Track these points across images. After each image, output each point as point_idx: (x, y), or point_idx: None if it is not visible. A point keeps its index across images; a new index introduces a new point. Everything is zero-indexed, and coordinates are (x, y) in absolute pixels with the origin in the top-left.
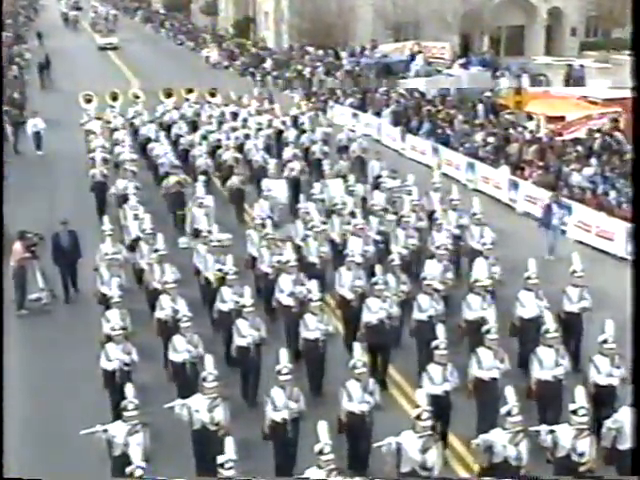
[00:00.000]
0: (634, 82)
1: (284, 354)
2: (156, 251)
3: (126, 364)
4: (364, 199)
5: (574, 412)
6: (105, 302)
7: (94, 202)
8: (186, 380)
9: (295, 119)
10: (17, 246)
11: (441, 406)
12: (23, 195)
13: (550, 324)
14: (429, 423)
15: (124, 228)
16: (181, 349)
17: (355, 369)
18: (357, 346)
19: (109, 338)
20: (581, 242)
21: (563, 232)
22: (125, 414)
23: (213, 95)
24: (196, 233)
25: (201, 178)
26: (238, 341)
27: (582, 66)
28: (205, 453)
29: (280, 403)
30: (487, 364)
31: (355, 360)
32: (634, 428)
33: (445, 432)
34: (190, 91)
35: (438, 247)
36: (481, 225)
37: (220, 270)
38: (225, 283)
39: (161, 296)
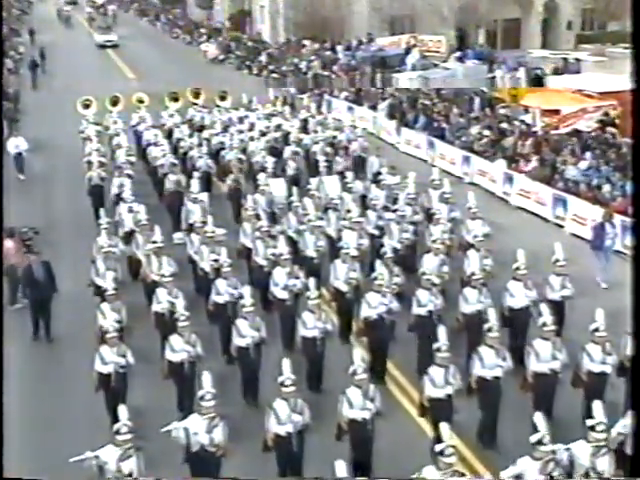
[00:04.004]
0: (634, 78)
1: (287, 364)
2: (154, 242)
3: (122, 367)
4: (363, 196)
5: (592, 428)
6: (100, 294)
7: (88, 207)
8: (184, 380)
9: (305, 123)
10: (8, 244)
11: (443, 410)
12: (16, 191)
13: (547, 317)
14: (453, 459)
15: (119, 222)
16: (179, 348)
17: (355, 375)
18: (357, 352)
19: (104, 340)
20: (576, 235)
21: (617, 252)
22: (117, 438)
23: (223, 99)
24: (190, 228)
25: (196, 175)
26: (237, 341)
27: (578, 59)
28: (203, 475)
29: (284, 416)
30: (489, 363)
31: (355, 366)
32: (634, 429)
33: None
34: (197, 94)
35: (434, 241)
36: (477, 219)
37: (216, 261)
38: (220, 275)
39: (157, 289)
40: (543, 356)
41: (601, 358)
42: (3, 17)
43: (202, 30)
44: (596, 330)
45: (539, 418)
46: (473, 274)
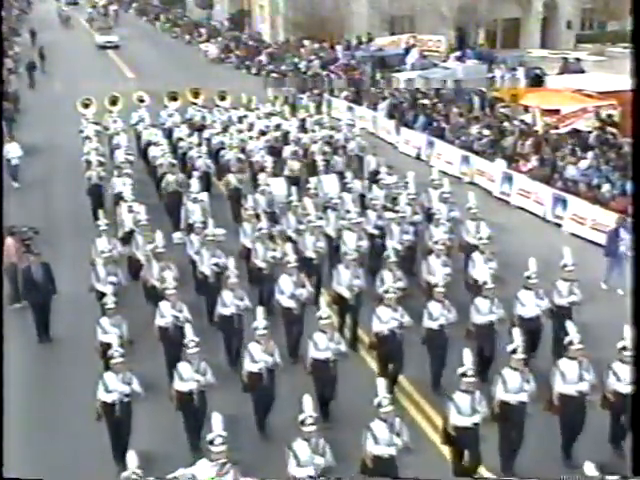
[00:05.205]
0: (634, 78)
1: (308, 401)
2: (155, 247)
3: (126, 395)
4: (362, 195)
5: None
6: (101, 300)
7: (87, 207)
8: (193, 411)
9: (303, 122)
10: (9, 242)
11: (469, 439)
12: (16, 192)
13: (573, 335)
14: None
15: (119, 222)
16: (187, 377)
17: (380, 408)
18: (381, 382)
19: (107, 366)
20: (575, 235)
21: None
22: None
23: (223, 98)
24: (190, 228)
25: (195, 174)
26: (249, 366)
27: (578, 59)
28: None
29: (305, 458)
30: (514, 386)
31: (380, 398)
32: (633, 429)
33: (477, 465)
34: (197, 94)
35: (436, 242)
36: (477, 220)
37: (217, 265)
38: (221, 280)
39: (161, 303)
40: (570, 377)
41: (629, 378)
42: (3, 17)
43: (202, 30)
44: (624, 348)
45: (590, 468)
46: (485, 283)
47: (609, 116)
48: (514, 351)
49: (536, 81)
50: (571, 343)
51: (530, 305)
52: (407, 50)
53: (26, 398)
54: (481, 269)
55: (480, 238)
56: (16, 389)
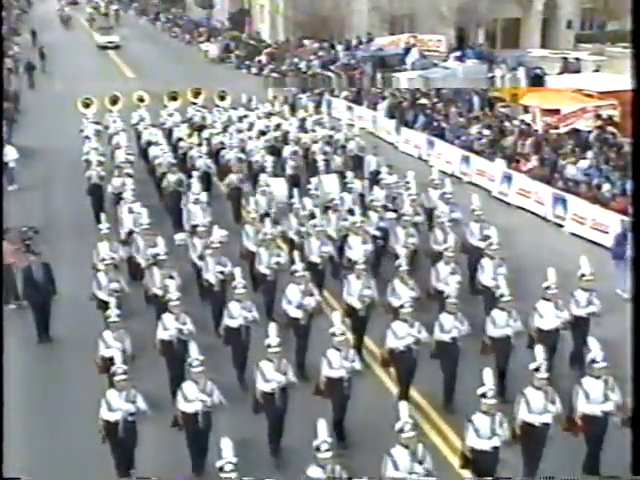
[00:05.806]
0: (634, 78)
1: (323, 426)
2: (157, 255)
3: (131, 414)
4: (362, 195)
5: None
6: (103, 307)
7: (87, 206)
8: (197, 433)
9: (303, 122)
10: (5, 244)
11: (488, 463)
12: (16, 192)
13: (596, 352)
14: None
15: (119, 222)
16: (192, 397)
17: (402, 433)
18: (403, 405)
19: (111, 383)
20: (576, 235)
21: None
22: None
23: (223, 98)
24: (193, 229)
25: (195, 174)
26: (262, 386)
27: (578, 59)
28: None
29: None
30: (537, 407)
31: (402, 423)
32: (632, 429)
33: None
34: (197, 94)
35: (446, 249)
36: (481, 222)
37: (222, 272)
38: (226, 289)
39: (164, 315)
40: (594, 396)
41: None
42: (3, 17)
43: (202, 30)
44: None
45: None
46: (502, 296)
47: (609, 116)
48: (537, 369)
49: (536, 81)
50: (594, 361)
51: (549, 317)
52: (407, 50)
53: (26, 398)
54: (492, 276)
55: (490, 244)
56: (16, 389)
